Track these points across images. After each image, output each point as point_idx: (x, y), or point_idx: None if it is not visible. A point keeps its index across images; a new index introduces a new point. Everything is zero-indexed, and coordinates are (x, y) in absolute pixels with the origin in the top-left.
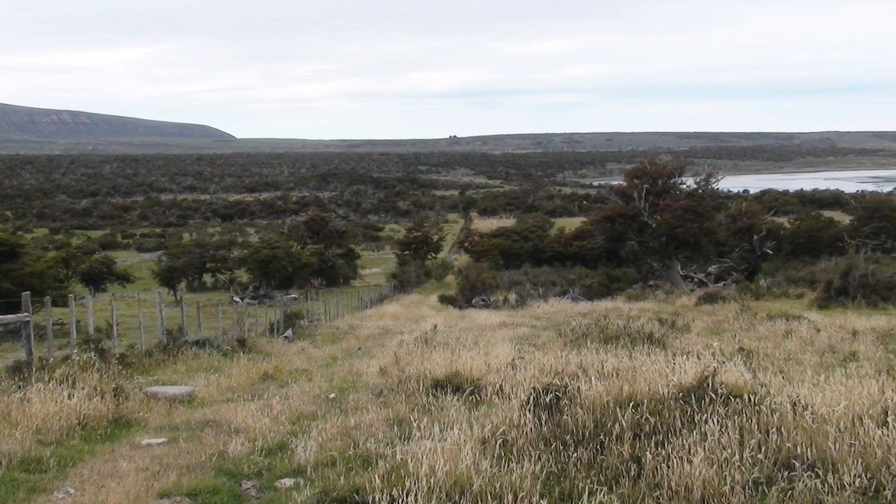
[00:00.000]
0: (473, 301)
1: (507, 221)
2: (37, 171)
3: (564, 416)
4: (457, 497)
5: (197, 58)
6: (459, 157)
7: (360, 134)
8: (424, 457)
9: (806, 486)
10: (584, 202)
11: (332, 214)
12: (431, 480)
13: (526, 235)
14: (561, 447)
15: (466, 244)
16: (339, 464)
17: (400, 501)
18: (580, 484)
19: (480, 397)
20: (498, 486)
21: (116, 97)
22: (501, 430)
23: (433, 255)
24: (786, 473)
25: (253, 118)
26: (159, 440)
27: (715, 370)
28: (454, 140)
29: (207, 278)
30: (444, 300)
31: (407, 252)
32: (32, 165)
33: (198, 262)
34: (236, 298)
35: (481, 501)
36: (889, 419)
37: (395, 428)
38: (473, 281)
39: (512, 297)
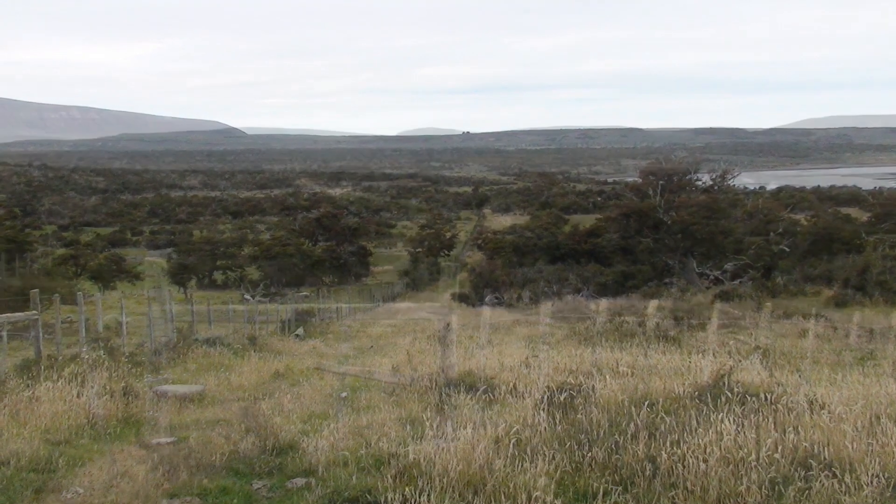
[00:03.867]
0: (487, 299)
1: (521, 218)
2: (45, 167)
3: (579, 415)
4: (470, 497)
5: (207, 53)
6: (472, 153)
7: (371, 130)
8: (437, 456)
9: (823, 485)
10: (599, 199)
11: (343, 211)
12: (444, 480)
13: (540, 233)
14: (575, 446)
15: (479, 241)
16: (351, 463)
17: (412, 501)
18: (595, 484)
19: (494, 396)
20: (511, 485)
21: (126, 93)
22: (515, 429)
23: (446, 252)
24: (803, 473)
25: (264, 114)
26: (169, 439)
27: (731, 369)
28: (467, 136)
29: (218, 276)
30: (457, 298)
31: (419, 249)
32: (41, 162)
33: (208, 260)
34: (247, 296)
35: (495, 501)
36: None
37: (408, 427)
38: (487, 278)
39: (526, 294)
